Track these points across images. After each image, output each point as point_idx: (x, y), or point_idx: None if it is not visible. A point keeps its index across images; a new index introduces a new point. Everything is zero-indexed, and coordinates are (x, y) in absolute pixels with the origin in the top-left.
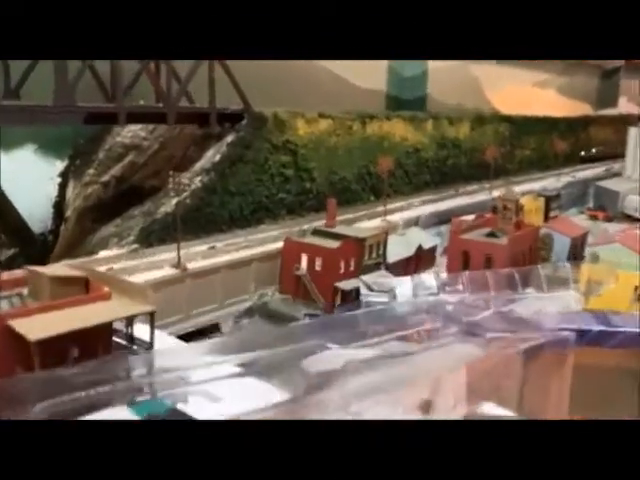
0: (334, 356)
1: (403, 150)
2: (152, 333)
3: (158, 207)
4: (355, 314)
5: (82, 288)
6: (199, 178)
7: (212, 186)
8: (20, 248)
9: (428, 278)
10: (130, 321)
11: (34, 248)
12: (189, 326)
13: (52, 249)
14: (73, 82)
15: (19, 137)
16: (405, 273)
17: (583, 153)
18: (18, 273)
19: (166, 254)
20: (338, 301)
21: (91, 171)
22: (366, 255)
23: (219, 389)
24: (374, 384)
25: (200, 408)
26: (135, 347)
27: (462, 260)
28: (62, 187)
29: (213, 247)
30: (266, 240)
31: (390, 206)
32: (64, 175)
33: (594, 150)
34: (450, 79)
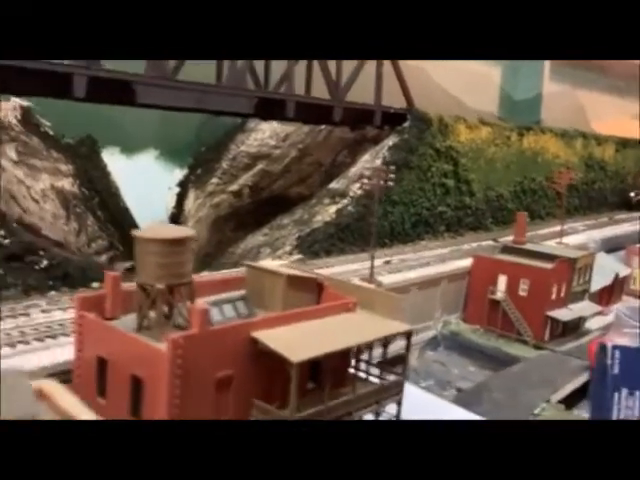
0: None
1: (555, 168)
2: (406, 365)
3: (313, 215)
4: None
5: (315, 294)
6: (357, 185)
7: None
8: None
9: None
10: (386, 343)
11: None
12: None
13: None
14: (243, 67)
15: (144, 141)
16: (599, 303)
17: None
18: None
19: (341, 266)
20: (547, 333)
21: (215, 180)
22: (575, 280)
23: None
24: None
25: None
26: (384, 382)
27: None
28: (180, 197)
29: (389, 262)
30: (443, 257)
31: (550, 229)
32: (183, 185)
33: None
34: (560, 106)
